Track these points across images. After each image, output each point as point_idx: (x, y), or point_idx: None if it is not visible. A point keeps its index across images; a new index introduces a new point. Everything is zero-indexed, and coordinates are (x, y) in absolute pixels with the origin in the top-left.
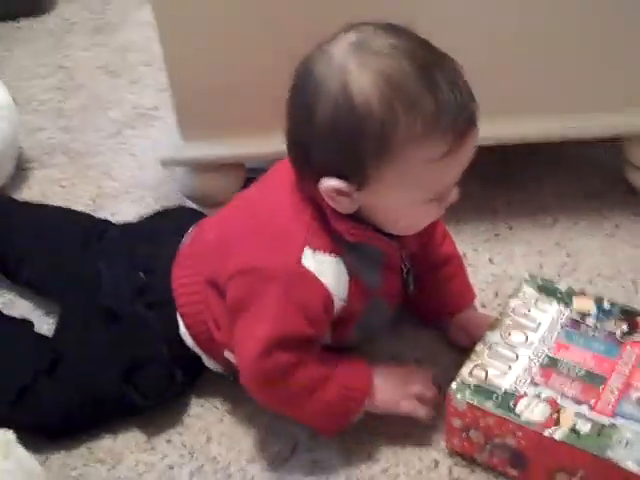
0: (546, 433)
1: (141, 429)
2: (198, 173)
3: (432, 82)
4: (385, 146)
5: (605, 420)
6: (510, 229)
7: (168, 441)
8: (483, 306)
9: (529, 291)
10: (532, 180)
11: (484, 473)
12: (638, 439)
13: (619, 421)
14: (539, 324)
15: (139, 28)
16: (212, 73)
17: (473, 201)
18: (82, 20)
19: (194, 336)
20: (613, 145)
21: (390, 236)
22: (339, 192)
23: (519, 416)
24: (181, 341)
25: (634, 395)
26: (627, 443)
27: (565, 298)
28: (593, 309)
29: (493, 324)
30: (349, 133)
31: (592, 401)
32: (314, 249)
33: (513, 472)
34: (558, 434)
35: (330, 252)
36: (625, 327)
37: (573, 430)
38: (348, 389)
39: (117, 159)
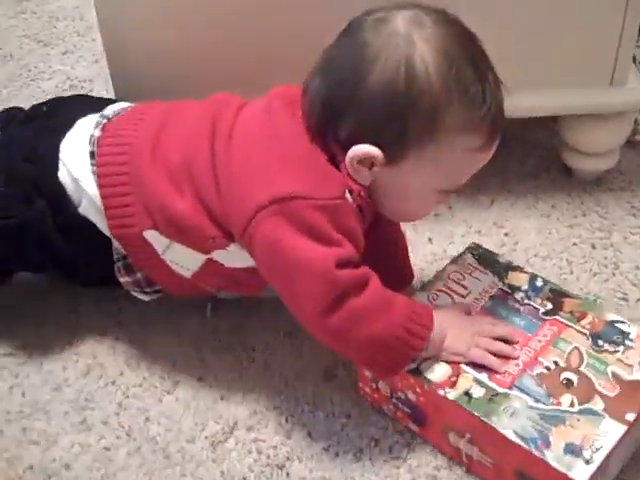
0: (440, 392)
1: (76, 410)
2: None
3: (482, 74)
4: (433, 124)
5: (500, 389)
6: (449, 209)
7: (104, 422)
8: (423, 286)
9: (469, 259)
10: None
11: (423, 449)
12: (525, 411)
13: (514, 392)
14: (469, 292)
15: None
16: (148, 41)
17: None
18: None
19: (106, 196)
20: (548, 126)
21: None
22: (365, 160)
23: (420, 373)
24: (54, 175)
25: (537, 370)
26: (513, 413)
27: (502, 271)
28: (525, 285)
29: (425, 285)
30: (403, 103)
31: (493, 372)
32: (350, 191)
33: (414, 427)
34: (451, 395)
35: (359, 203)
36: (550, 306)
37: (466, 393)
38: (415, 312)
39: None
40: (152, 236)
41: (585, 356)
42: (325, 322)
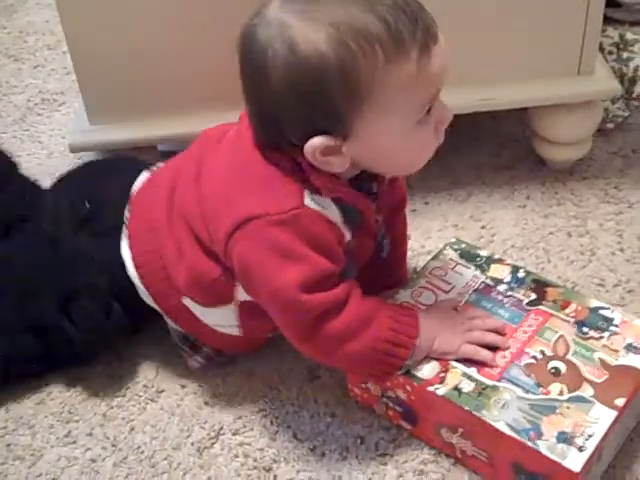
0: (430, 389)
1: (61, 423)
2: None
3: (374, 8)
4: (353, 86)
5: (489, 382)
6: (426, 204)
7: (89, 434)
8: None
9: (450, 254)
10: (446, 155)
11: (408, 445)
12: (516, 402)
13: (503, 384)
14: (452, 287)
15: (38, 10)
16: (116, 54)
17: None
18: None
19: (144, 275)
20: (520, 118)
21: (367, 195)
22: (327, 151)
23: (409, 371)
24: (125, 274)
25: (524, 361)
26: (504, 405)
27: (483, 264)
28: (507, 277)
29: (407, 283)
30: (312, 87)
31: (482, 365)
32: (311, 192)
33: (407, 425)
34: (441, 391)
35: (326, 196)
36: (533, 296)
37: (456, 388)
38: (399, 322)
39: (22, 147)
40: (189, 304)
41: (571, 344)
42: (306, 345)
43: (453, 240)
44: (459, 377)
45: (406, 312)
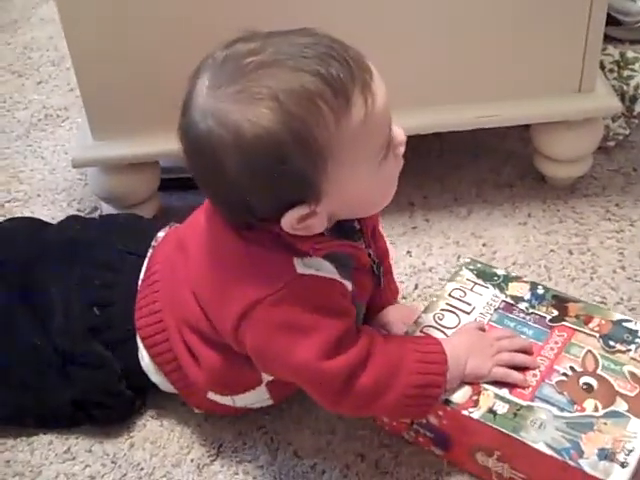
0: (464, 412)
1: (60, 440)
2: (111, 173)
3: (302, 64)
4: (313, 150)
5: (523, 402)
6: (427, 221)
7: (89, 450)
8: (404, 298)
9: (467, 275)
10: (447, 172)
11: (409, 462)
12: (552, 421)
13: (537, 403)
14: (473, 308)
15: (42, 26)
16: (119, 69)
17: None
18: None
19: (167, 373)
20: (521, 135)
21: (352, 238)
22: (303, 218)
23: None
24: (143, 374)
25: (555, 379)
26: (541, 425)
27: (502, 283)
28: (527, 294)
29: (428, 307)
30: (272, 164)
31: (513, 386)
32: (300, 257)
33: (438, 451)
34: (475, 414)
35: (314, 256)
36: (555, 312)
37: (490, 411)
38: (426, 361)
39: (26, 162)
40: (215, 397)
41: (599, 358)
42: (340, 408)
43: (468, 260)
44: (492, 399)
45: (432, 348)
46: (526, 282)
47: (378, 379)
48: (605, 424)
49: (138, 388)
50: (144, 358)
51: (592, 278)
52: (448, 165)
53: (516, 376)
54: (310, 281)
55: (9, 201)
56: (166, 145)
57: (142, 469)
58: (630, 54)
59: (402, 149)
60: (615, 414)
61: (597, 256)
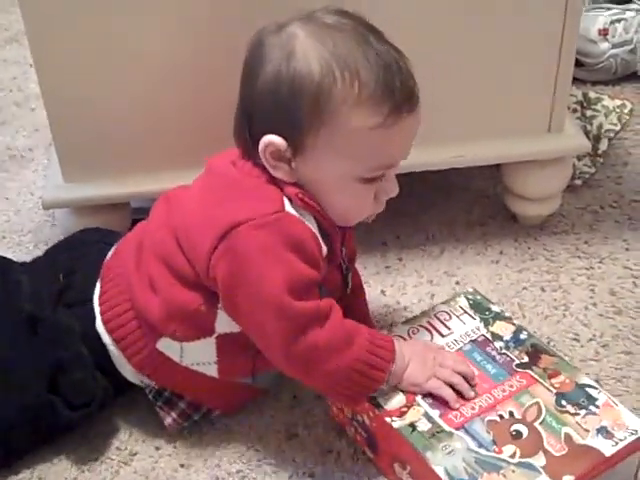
0: (387, 419)
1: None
2: (82, 214)
3: (373, 55)
4: (320, 106)
5: (447, 427)
6: (400, 260)
7: None
8: None
9: (462, 302)
10: (419, 212)
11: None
12: (463, 452)
13: (460, 433)
14: (450, 333)
15: (5, 67)
16: (91, 112)
17: (362, 235)
18: None
19: (113, 330)
20: (491, 174)
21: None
22: (277, 154)
23: (375, 398)
24: (99, 340)
25: (489, 417)
26: (451, 452)
27: (490, 319)
28: (508, 335)
29: (409, 320)
30: (288, 91)
31: (446, 411)
32: (290, 200)
33: (370, 453)
34: (396, 423)
35: (300, 206)
36: (526, 359)
37: (412, 425)
38: (377, 345)
39: None
40: (164, 346)
41: (544, 412)
42: (291, 358)
43: (471, 290)
44: (419, 415)
45: (384, 337)
46: (514, 324)
47: (332, 339)
48: (513, 471)
49: (97, 361)
50: (99, 324)
51: (565, 315)
52: (420, 204)
53: (449, 392)
54: (295, 221)
55: None
56: (138, 186)
57: None
58: (592, 94)
59: (384, 199)
60: (528, 465)
61: (569, 293)
